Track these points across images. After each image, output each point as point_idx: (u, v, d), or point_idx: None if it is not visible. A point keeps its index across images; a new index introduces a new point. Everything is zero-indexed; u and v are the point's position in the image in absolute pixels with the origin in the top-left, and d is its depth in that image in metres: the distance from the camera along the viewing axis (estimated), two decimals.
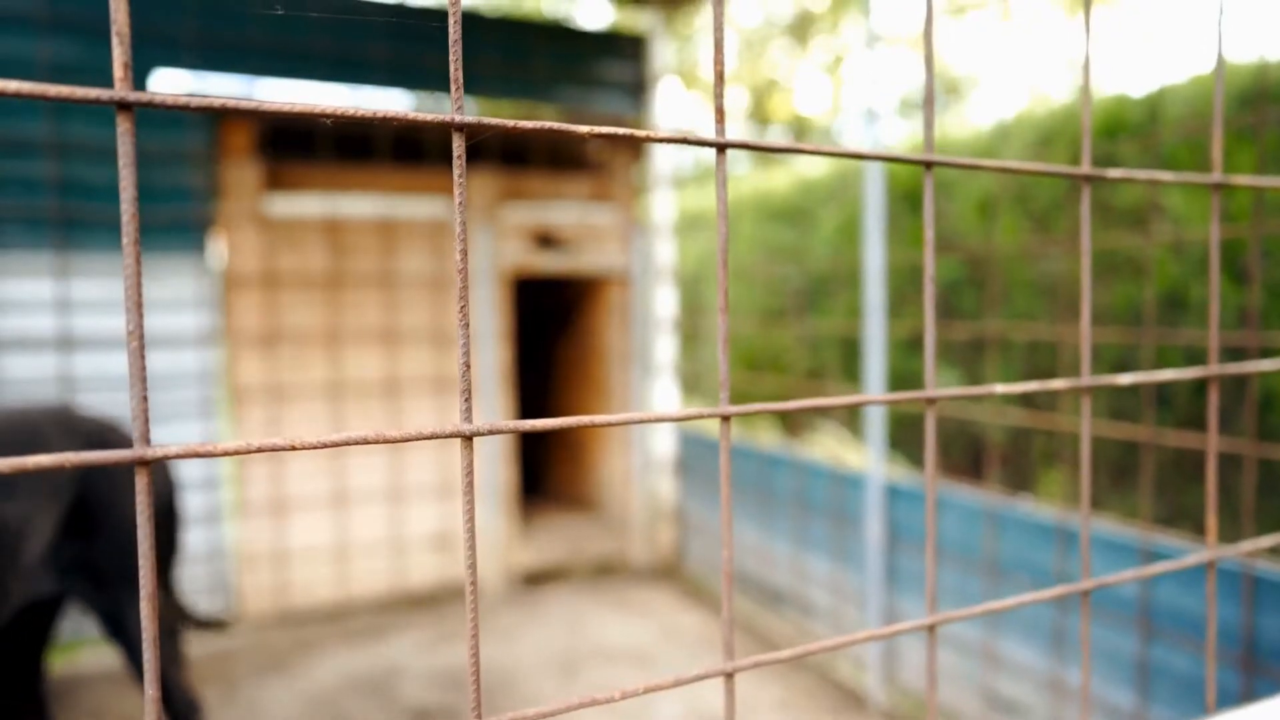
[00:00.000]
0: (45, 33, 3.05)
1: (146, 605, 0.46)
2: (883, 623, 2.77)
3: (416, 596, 3.75)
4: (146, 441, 0.46)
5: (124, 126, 0.46)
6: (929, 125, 0.72)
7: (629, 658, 3.15)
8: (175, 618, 2.15)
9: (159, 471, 2.07)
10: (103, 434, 1.94)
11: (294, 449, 0.49)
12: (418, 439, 0.52)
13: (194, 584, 3.36)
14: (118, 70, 0.45)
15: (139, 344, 0.46)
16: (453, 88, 0.52)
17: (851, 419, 5.17)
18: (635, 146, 4.26)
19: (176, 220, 3.29)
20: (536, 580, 4.03)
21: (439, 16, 3.54)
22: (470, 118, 0.54)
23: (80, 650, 3.24)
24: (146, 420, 0.46)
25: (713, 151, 0.62)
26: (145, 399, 0.46)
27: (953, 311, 4.26)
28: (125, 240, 0.46)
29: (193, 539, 3.36)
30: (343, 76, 3.63)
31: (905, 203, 4.54)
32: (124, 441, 1.97)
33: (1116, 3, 9.25)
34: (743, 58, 12.27)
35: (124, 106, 0.45)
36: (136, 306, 0.47)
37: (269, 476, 3.48)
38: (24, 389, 3.05)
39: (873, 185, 2.72)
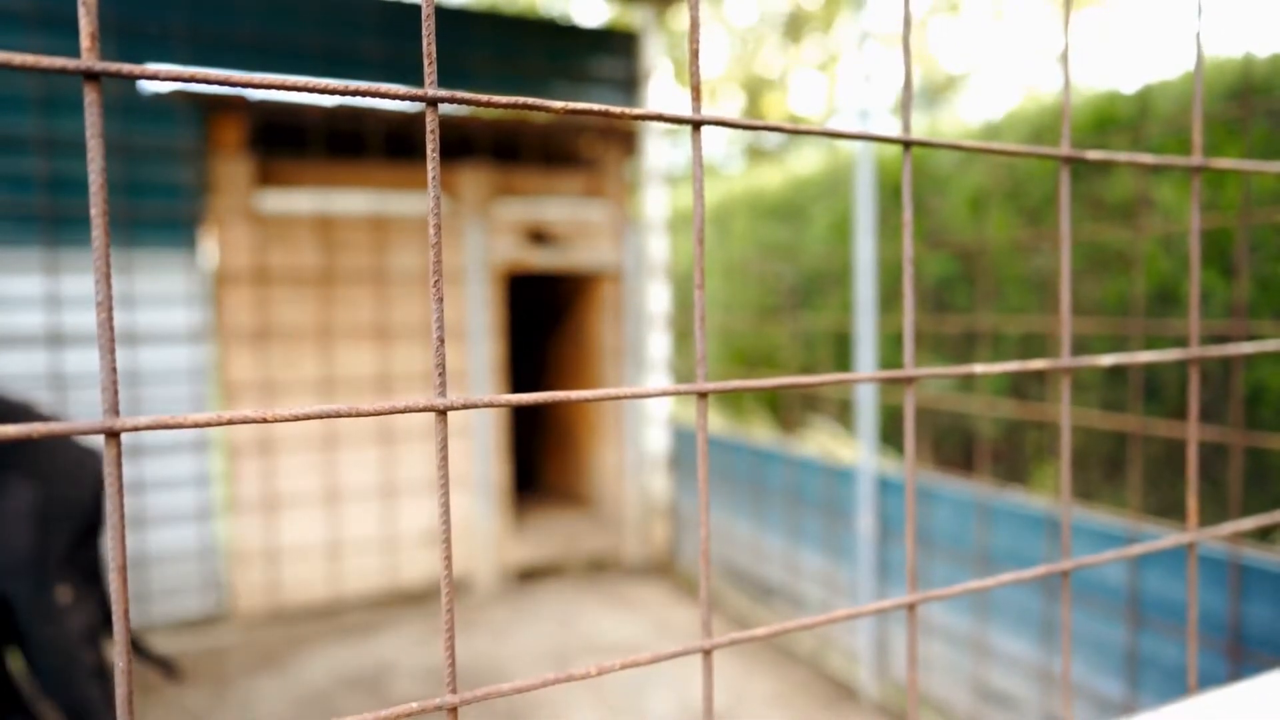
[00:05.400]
0: (34, 29, 3.04)
1: (117, 577, 0.46)
2: (874, 615, 2.77)
3: (409, 593, 3.74)
4: (115, 412, 0.46)
5: (91, 97, 0.46)
6: (906, 106, 0.72)
7: (621, 653, 3.15)
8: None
9: (92, 459, 2.07)
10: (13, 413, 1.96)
11: (266, 421, 0.49)
12: (389, 413, 0.52)
13: (185, 581, 3.36)
14: (85, 40, 0.45)
15: (108, 315, 0.46)
16: (426, 61, 0.53)
17: (843, 414, 5.17)
18: (628, 143, 4.26)
19: (167, 216, 3.28)
20: (530, 576, 4.02)
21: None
22: (443, 91, 0.54)
23: None
24: (115, 391, 0.46)
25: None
26: (115, 370, 0.46)
27: (945, 306, 4.27)
28: (94, 211, 0.46)
29: (184, 536, 3.35)
30: (336, 73, 3.62)
31: (896, 198, 4.54)
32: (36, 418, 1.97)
33: (1109, 0, 9.27)
34: (736, 57, 12.28)
35: (90, 76, 0.45)
36: (105, 277, 0.47)
37: (260, 473, 3.48)
38: (14, 385, 3.04)
39: (863, 181, 2.72)
